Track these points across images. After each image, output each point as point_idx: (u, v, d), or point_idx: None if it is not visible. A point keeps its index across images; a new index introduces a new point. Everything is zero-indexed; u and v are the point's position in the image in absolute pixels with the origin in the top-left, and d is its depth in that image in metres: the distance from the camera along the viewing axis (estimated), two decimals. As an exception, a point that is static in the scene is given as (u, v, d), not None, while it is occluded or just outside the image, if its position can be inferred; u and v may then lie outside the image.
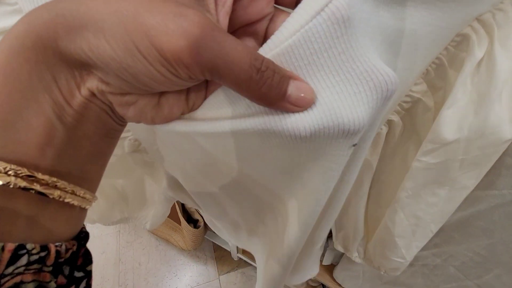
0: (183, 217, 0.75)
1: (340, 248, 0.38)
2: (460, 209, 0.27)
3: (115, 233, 1.07)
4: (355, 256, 0.36)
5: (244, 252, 0.90)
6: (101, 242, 1.04)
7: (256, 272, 0.96)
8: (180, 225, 0.88)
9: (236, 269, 1.00)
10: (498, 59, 0.18)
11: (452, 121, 0.20)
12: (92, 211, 0.41)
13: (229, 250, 0.96)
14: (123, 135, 0.22)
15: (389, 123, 0.25)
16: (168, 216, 0.92)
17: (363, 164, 0.29)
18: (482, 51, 0.18)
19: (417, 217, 0.27)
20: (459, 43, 0.19)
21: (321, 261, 0.63)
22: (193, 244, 0.85)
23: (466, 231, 0.29)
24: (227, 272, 0.99)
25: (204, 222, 0.77)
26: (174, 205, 0.81)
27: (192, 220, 0.77)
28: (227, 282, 0.97)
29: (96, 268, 0.90)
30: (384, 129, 0.25)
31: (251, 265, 1.00)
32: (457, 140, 0.21)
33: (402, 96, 0.23)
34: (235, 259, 1.01)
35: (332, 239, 0.57)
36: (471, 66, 0.19)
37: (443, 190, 0.24)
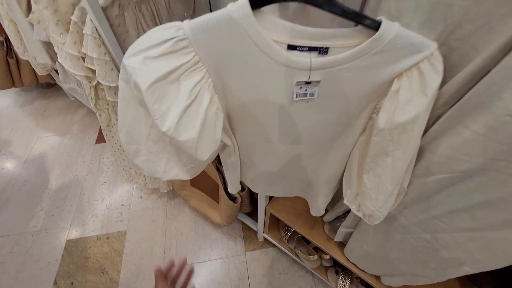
0: (225, 194, 0.93)
1: (346, 202, 0.52)
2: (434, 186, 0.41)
3: (163, 207, 1.29)
4: (353, 208, 0.50)
5: (269, 232, 1.06)
6: (152, 212, 1.26)
7: (277, 253, 1.11)
8: (219, 203, 1.07)
9: (261, 249, 1.16)
10: (401, 93, 0.35)
11: (383, 118, 0.37)
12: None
13: (256, 230, 1.12)
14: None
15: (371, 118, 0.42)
16: (209, 196, 1.11)
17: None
18: (396, 87, 0.35)
19: (379, 176, 0.41)
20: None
21: (332, 238, 0.77)
22: (228, 219, 1.02)
23: (433, 202, 0.42)
24: (252, 250, 1.15)
25: (241, 199, 0.94)
26: (217, 185, 0.99)
27: (231, 198, 0.94)
28: (251, 258, 1.13)
29: (148, 232, 1.13)
30: (370, 122, 0.41)
31: (273, 246, 1.15)
32: (383, 128, 0.37)
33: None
34: (260, 239, 1.17)
35: (343, 221, 0.71)
36: (390, 94, 0.36)
37: (389, 158, 0.39)
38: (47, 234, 1.21)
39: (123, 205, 1.30)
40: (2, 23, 1.24)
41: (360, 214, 0.50)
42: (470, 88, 0.31)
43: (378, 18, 0.31)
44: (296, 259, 1.00)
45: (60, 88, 1.78)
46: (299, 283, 1.07)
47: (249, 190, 0.98)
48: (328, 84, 0.37)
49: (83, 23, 0.68)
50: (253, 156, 0.55)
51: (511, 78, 0.27)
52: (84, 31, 0.67)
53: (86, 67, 0.75)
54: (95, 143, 1.54)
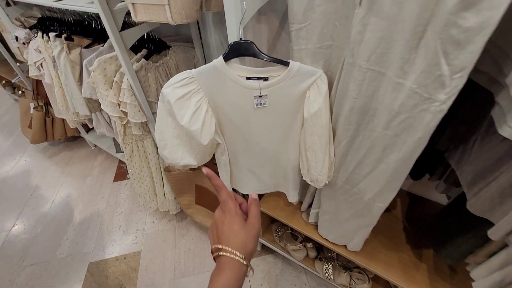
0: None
1: (304, 178, 0.75)
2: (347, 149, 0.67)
3: (173, 228, 1.48)
4: (308, 180, 0.74)
5: (264, 236, 1.25)
6: (163, 233, 1.45)
7: (273, 259, 1.28)
8: (220, 215, 1.28)
9: (259, 256, 1.32)
10: (310, 97, 0.63)
11: (305, 112, 0.64)
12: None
13: (253, 238, 1.31)
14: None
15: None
16: (212, 211, 1.32)
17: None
18: (308, 94, 0.64)
19: (314, 150, 0.67)
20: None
21: (306, 221, 0.98)
22: (228, 225, 1.22)
23: (348, 161, 0.67)
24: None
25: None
26: (217, 199, 1.22)
27: None
28: (252, 265, 1.29)
29: (160, 250, 1.35)
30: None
31: (271, 253, 1.32)
32: (306, 117, 0.64)
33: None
34: (258, 248, 1.34)
35: (312, 210, 0.94)
36: (306, 98, 0.64)
37: (315, 137, 0.65)
38: (72, 259, 1.38)
39: (137, 230, 1.49)
40: (48, 91, 1.62)
41: (312, 183, 0.75)
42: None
43: (288, 61, 0.62)
44: (287, 255, 1.17)
45: (83, 139, 2.11)
46: (294, 282, 1.21)
47: (242, 196, 1.21)
48: (273, 97, 0.67)
49: (121, 81, 1.01)
50: (238, 153, 0.82)
51: (348, 83, 0.56)
52: (122, 86, 1.01)
53: (121, 110, 1.06)
54: (113, 181, 1.80)
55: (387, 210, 1.01)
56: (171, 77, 1.16)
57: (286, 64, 0.63)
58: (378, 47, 0.48)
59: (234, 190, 0.98)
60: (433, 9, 0.39)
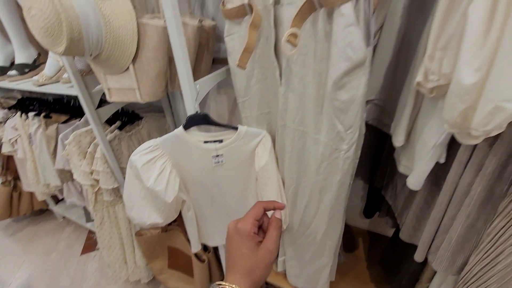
0: (196, 259, 1.15)
1: None
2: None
3: (144, 300, 1.39)
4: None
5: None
6: (133, 307, 1.35)
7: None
8: (193, 277, 1.25)
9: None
10: (259, 153, 0.77)
11: (256, 165, 0.77)
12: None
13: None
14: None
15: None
16: (185, 273, 1.30)
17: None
18: (257, 151, 0.77)
19: (267, 198, 0.76)
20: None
21: (275, 271, 1.01)
22: (201, 285, 1.19)
23: (298, 201, 0.77)
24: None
25: (209, 261, 1.16)
26: (189, 259, 1.22)
27: (200, 260, 1.16)
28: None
29: None
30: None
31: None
32: (258, 170, 0.76)
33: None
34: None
35: (279, 258, 0.99)
36: (256, 155, 0.77)
37: (267, 187, 0.76)
38: None
39: (105, 306, 1.38)
40: (19, 165, 1.64)
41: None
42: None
43: (236, 126, 0.77)
44: (265, 313, 1.14)
45: (50, 212, 2.04)
46: None
47: (214, 254, 1.21)
48: (228, 155, 0.79)
49: (95, 151, 1.10)
50: (203, 208, 0.89)
51: (284, 140, 0.70)
52: (95, 156, 1.09)
53: (93, 178, 1.12)
54: (81, 254, 1.70)
55: (351, 251, 1.09)
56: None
57: (236, 128, 0.77)
58: (298, 113, 0.64)
59: (203, 245, 1.01)
60: (324, 88, 0.56)
